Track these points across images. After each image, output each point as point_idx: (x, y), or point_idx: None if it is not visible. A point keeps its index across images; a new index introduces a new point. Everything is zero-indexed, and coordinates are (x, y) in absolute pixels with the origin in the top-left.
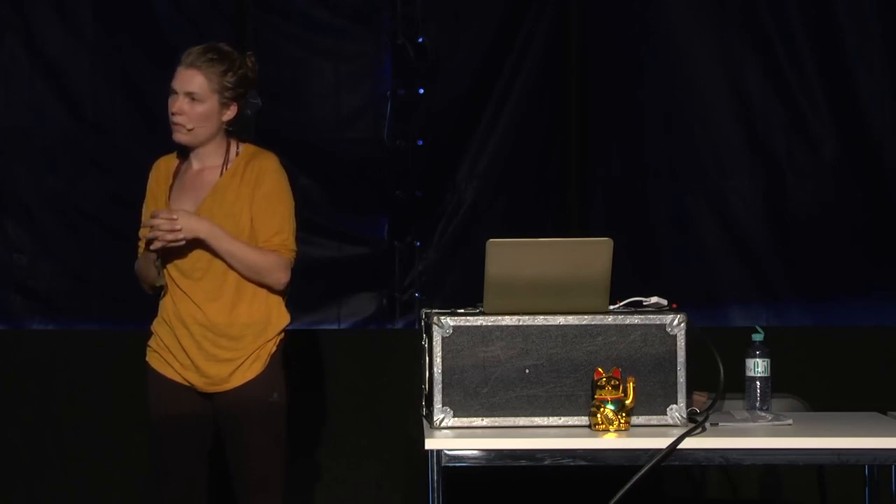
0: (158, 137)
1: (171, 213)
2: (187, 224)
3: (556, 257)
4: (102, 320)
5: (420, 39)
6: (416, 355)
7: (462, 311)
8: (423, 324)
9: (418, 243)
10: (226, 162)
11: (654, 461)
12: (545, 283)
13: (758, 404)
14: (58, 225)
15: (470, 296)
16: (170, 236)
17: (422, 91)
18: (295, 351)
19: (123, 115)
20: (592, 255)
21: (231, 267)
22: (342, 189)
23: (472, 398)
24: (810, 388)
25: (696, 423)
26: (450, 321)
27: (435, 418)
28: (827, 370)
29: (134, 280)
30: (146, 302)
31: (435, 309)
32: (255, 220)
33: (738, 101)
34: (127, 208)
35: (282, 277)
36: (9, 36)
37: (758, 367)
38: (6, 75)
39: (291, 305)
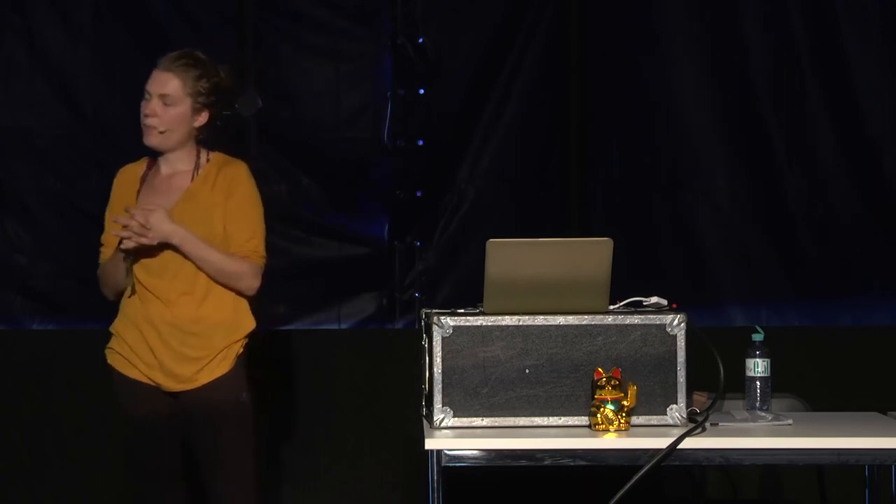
0: None
1: (145, 214)
2: (159, 227)
3: (556, 257)
4: (102, 320)
5: (420, 39)
6: (416, 355)
7: (462, 311)
8: (423, 324)
9: (418, 243)
10: (196, 167)
11: (654, 461)
12: (545, 283)
13: (758, 404)
14: (58, 225)
15: (470, 296)
16: (144, 240)
17: (422, 91)
18: (295, 351)
19: (123, 115)
20: (592, 255)
21: (201, 271)
22: (342, 189)
23: (472, 398)
24: (810, 388)
25: (696, 423)
26: (450, 321)
27: (435, 418)
28: (827, 370)
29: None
30: None
31: (435, 309)
32: (227, 226)
33: (739, 101)
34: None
35: (253, 283)
36: (9, 36)
37: (758, 367)
38: (6, 75)
39: (292, 305)
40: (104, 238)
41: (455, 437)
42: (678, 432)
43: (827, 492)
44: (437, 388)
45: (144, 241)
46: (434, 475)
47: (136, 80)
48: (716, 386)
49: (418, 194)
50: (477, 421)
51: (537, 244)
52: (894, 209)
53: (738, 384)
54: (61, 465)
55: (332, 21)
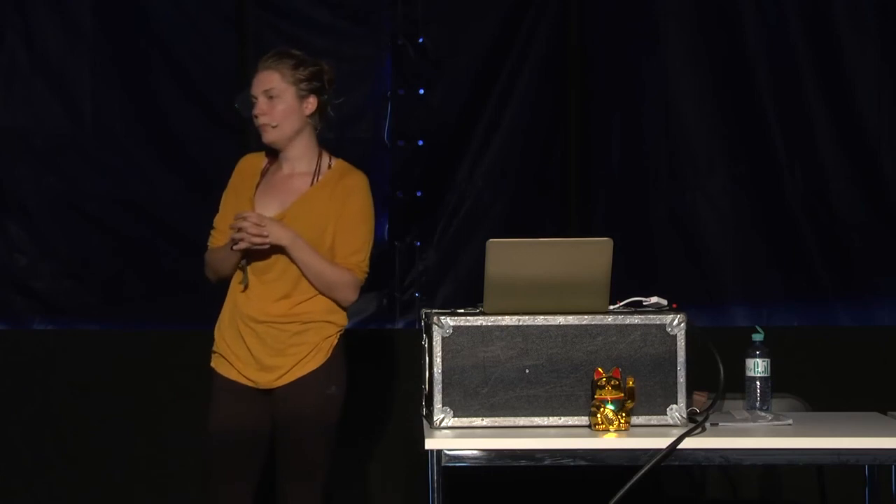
0: (158, 137)
1: (260, 218)
2: (272, 231)
3: (556, 257)
4: (102, 320)
5: (420, 40)
6: (416, 355)
7: (462, 311)
8: (423, 324)
9: (418, 243)
10: (317, 172)
11: (654, 461)
12: (545, 283)
13: (758, 404)
14: (58, 225)
15: (470, 296)
16: (256, 240)
17: (422, 91)
18: None
19: (123, 114)
20: (592, 255)
21: (304, 276)
22: None
23: (472, 398)
24: (810, 388)
25: (696, 423)
26: (450, 321)
27: (435, 418)
28: (827, 370)
29: (133, 280)
30: (145, 302)
31: (435, 309)
32: (336, 236)
33: (737, 101)
34: (127, 208)
35: (350, 296)
36: (9, 36)
37: (758, 367)
38: (6, 75)
39: None
40: (217, 221)
41: (455, 437)
42: (678, 432)
43: (827, 492)
44: (437, 388)
45: (257, 241)
46: (434, 475)
47: (135, 80)
48: (716, 386)
49: (418, 194)
50: (477, 421)
51: (537, 244)
52: (894, 209)
53: (738, 384)
54: (61, 465)
55: (332, 21)
